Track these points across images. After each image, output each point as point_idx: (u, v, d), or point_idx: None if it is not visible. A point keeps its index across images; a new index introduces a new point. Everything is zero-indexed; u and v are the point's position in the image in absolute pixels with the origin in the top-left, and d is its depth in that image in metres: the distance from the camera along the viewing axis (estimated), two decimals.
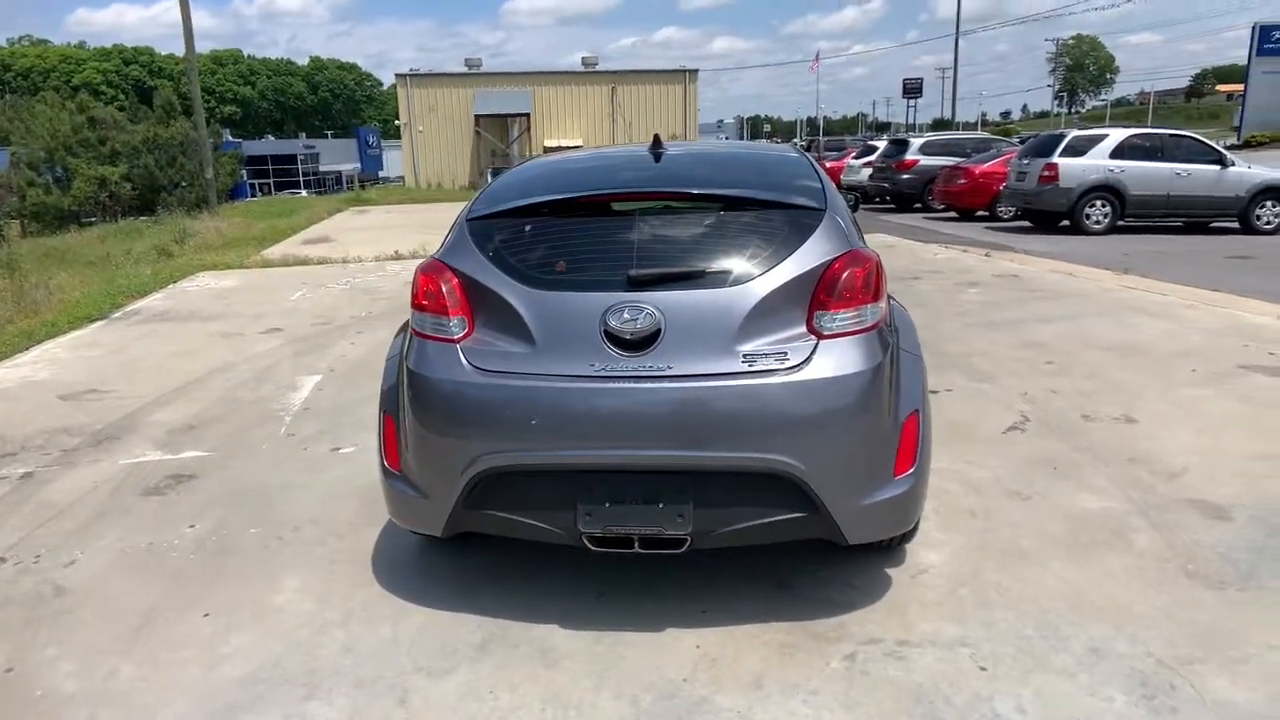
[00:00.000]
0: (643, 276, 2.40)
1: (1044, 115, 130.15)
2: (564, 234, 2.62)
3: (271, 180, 51.26)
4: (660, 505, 2.34)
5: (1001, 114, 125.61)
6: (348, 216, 19.94)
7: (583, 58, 31.90)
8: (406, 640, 2.52)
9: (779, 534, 2.40)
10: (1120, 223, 12.85)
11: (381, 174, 48.26)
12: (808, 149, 29.84)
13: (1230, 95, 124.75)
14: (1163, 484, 3.41)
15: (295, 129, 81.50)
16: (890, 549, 2.87)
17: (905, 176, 17.91)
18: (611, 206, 2.64)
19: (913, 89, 61.26)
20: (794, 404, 2.29)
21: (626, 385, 2.32)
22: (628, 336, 2.34)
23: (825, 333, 2.35)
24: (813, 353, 2.33)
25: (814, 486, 2.30)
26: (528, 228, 2.63)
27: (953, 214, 16.59)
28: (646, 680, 2.29)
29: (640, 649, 2.43)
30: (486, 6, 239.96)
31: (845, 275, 2.39)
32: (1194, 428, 4.02)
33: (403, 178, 33.41)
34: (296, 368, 5.66)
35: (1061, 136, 13.45)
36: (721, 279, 2.40)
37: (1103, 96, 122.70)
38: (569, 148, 29.30)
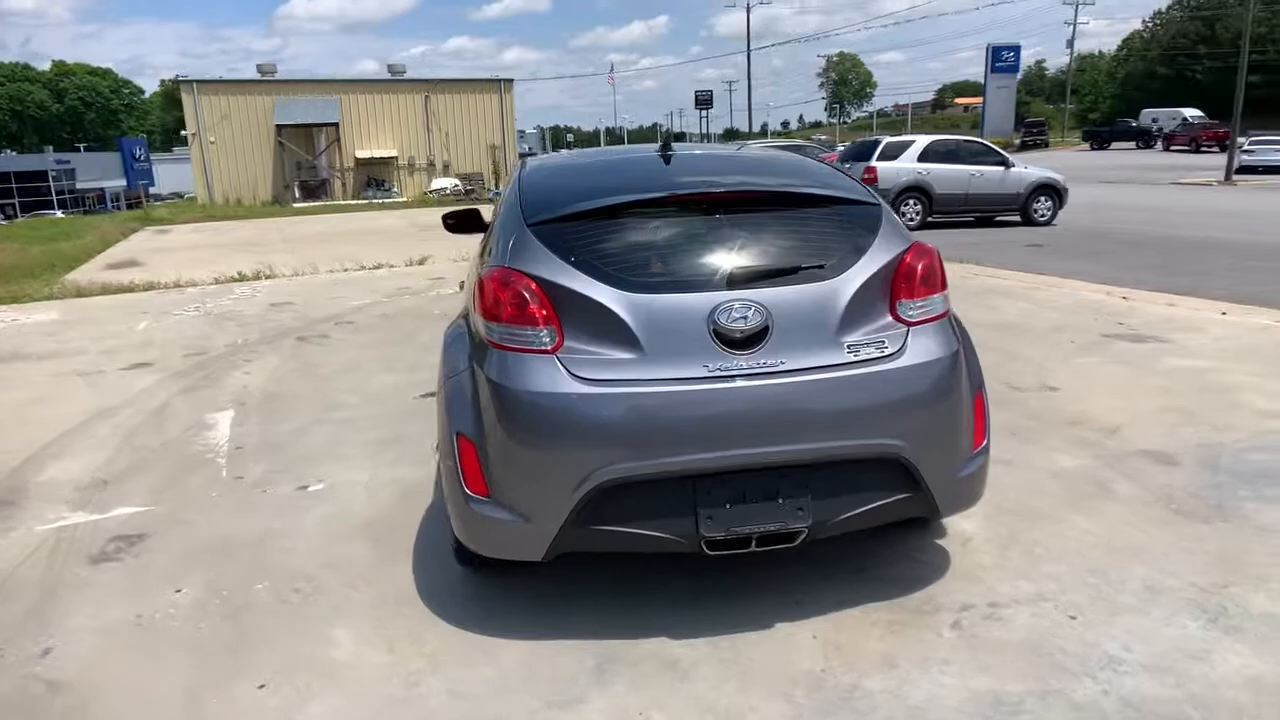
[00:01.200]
0: (746, 274, 2.42)
1: (818, 125, 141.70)
2: (647, 235, 2.56)
3: (16, 200, 44.88)
4: (780, 501, 2.36)
5: (782, 124, 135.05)
6: (147, 237, 17.89)
7: (389, 65, 30.73)
8: (515, 676, 2.36)
9: (883, 517, 2.50)
10: (930, 219, 14.31)
11: (153, 189, 43.61)
12: None
13: (966, 107, 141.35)
14: (1109, 440, 3.88)
15: (38, 142, 71.71)
16: (928, 525, 3.04)
17: None
18: (686, 207, 2.61)
19: (704, 100, 64.34)
20: (898, 390, 2.40)
21: (744, 384, 2.32)
22: (738, 335, 2.34)
23: (911, 320, 2.48)
24: (906, 340, 2.46)
25: (918, 466, 2.42)
26: (607, 230, 2.54)
27: None
28: (786, 676, 2.30)
29: (762, 647, 2.43)
30: (257, 10, 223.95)
31: (920, 266, 2.53)
32: (1104, 390, 4.60)
33: (180, 193, 30.45)
34: (195, 405, 5.04)
35: (877, 143, 14.76)
36: (817, 273, 2.46)
37: (865, 109, 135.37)
38: (386, 158, 28.26)
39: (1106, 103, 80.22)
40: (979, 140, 15.63)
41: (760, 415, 2.32)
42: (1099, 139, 50.10)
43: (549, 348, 2.37)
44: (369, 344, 6.45)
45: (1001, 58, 58.83)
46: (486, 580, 2.85)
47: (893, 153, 14.33)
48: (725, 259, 2.47)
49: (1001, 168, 14.46)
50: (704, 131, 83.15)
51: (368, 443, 4.27)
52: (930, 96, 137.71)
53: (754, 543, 2.37)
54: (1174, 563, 2.78)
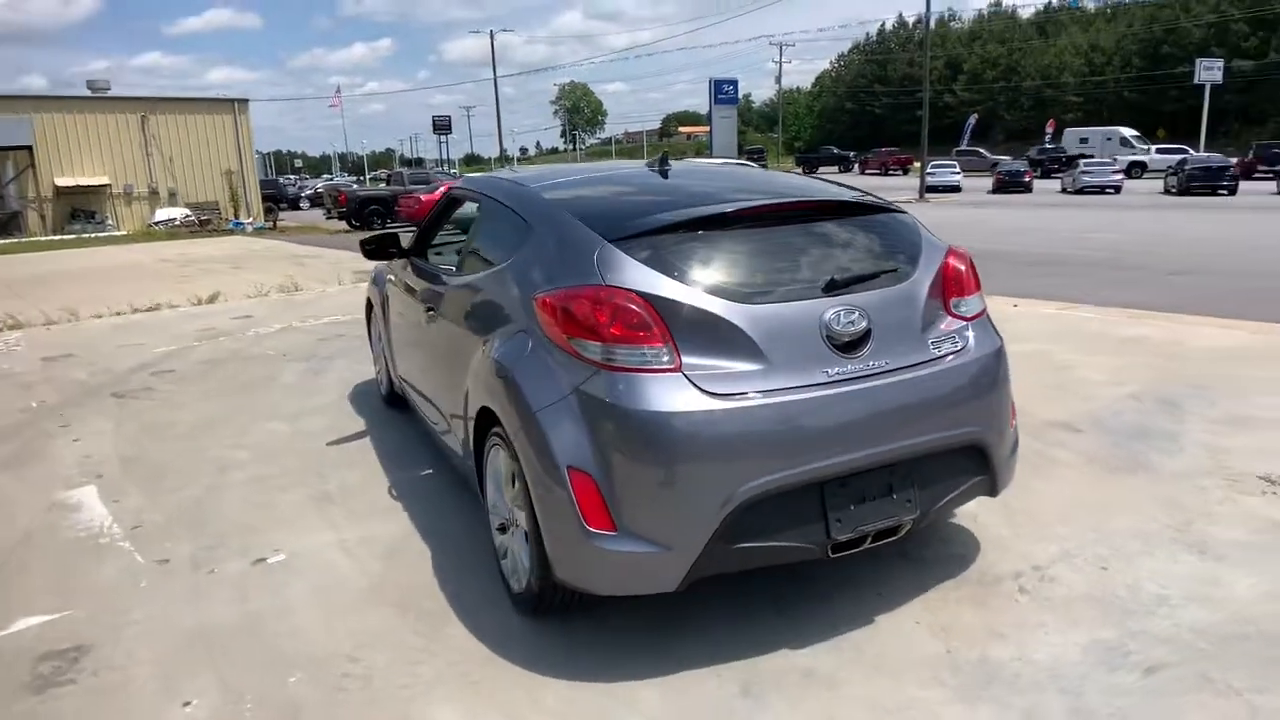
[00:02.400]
0: (844, 279, 2.50)
1: (555, 151, 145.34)
2: (736, 246, 2.55)
3: None
4: (894, 496, 2.46)
5: (520, 150, 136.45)
6: None
7: (89, 82, 26.72)
8: (664, 716, 2.22)
9: (962, 500, 2.69)
10: None
11: None
12: (387, 181, 29.21)
13: (689, 135, 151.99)
14: (1022, 416, 4.44)
15: None
16: None
17: None
18: (761, 218, 2.63)
19: (443, 125, 63.38)
20: (974, 380, 2.62)
21: (861, 386, 2.40)
22: (847, 339, 2.42)
23: (967, 317, 2.72)
24: (968, 335, 2.68)
25: (990, 450, 2.65)
26: (698, 243, 2.49)
27: None
28: (921, 662, 2.40)
29: (880, 642, 2.51)
30: None
31: (964, 267, 2.78)
32: None
33: None
34: (32, 485, 4.08)
35: None
36: (895, 277, 2.61)
37: (598, 135, 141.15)
38: (96, 187, 24.42)
39: (808, 132, 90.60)
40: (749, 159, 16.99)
41: (878, 415, 2.41)
42: (809, 163, 56.52)
43: (672, 365, 2.28)
44: (214, 394, 5.62)
45: (723, 90, 64.44)
46: (554, 626, 2.65)
47: None
48: (817, 266, 2.55)
49: None
50: (443, 157, 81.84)
51: (301, 501, 3.74)
52: (657, 125, 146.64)
53: (869, 540, 2.45)
54: (1140, 511, 3.27)
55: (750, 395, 2.29)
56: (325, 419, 4.93)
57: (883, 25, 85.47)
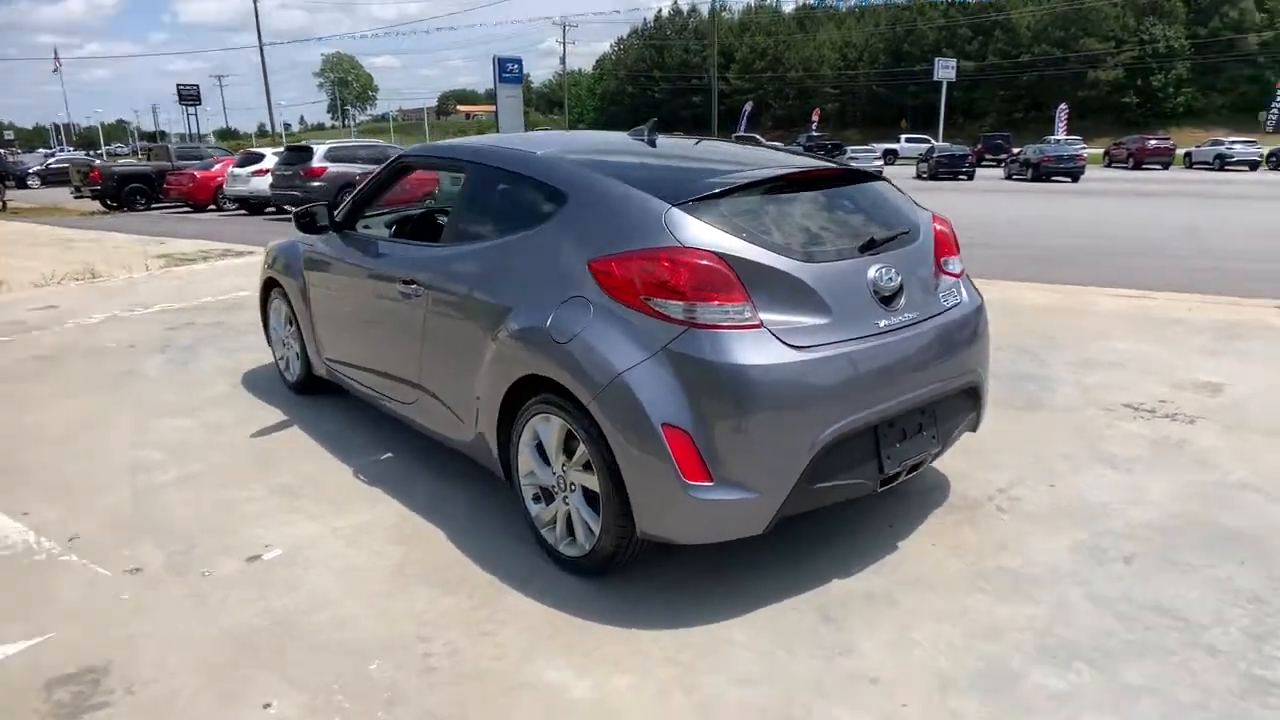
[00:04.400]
0: (879, 239, 2.76)
1: (321, 128, 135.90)
2: (782, 209, 2.71)
3: None
4: (923, 433, 2.78)
5: (285, 125, 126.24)
6: None
7: None
8: (766, 648, 2.39)
9: (960, 435, 3.06)
10: None
11: None
12: (148, 156, 25.85)
13: (469, 114, 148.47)
14: None
15: None
16: None
17: (317, 184, 17.53)
18: (795, 184, 2.82)
19: (190, 96, 57.28)
20: (974, 328, 2.99)
21: (905, 335, 2.68)
22: (887, 294, 2.68)
23: (955, 274, 3.09)
24: (961, 289, 3.05)
25: (981, 390, 3.05)
26: (750, 206, 2.63)
27: None
28: (957, 577, 2.74)
29: (911, 563, 2.83)
30: None
31: (947, 231, 3.14)
32: None
33: None
34: None
35: None
36: (909, 237, 2.90)
37: (370, 112, 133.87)
38: None
39: (590, 115, 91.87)
40: None
41: (917, 361, 2.71)
42: None
43: (755, 322, 2.42)
44: (73, 392, 4.91)
45: (507, 69, 63.57)
46: (613, 585, 2.71)
47: None
48: (852, 227, 2.79)
49: None
50: (193, 131, 73.94)
51: (261, 496, 3.44)
52: (434, 103, 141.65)
53: (904, 474, 2.76)
54: (1055, 440, 3.87)
55: (823, 347, 2.49)
56: (231, 412, 4.50)
57: (659, 12, 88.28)
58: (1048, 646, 2.36)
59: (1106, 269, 8.92)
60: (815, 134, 50.95)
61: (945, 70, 46.62)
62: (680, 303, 2.41)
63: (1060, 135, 40.74)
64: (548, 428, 2.73)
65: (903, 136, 46.60)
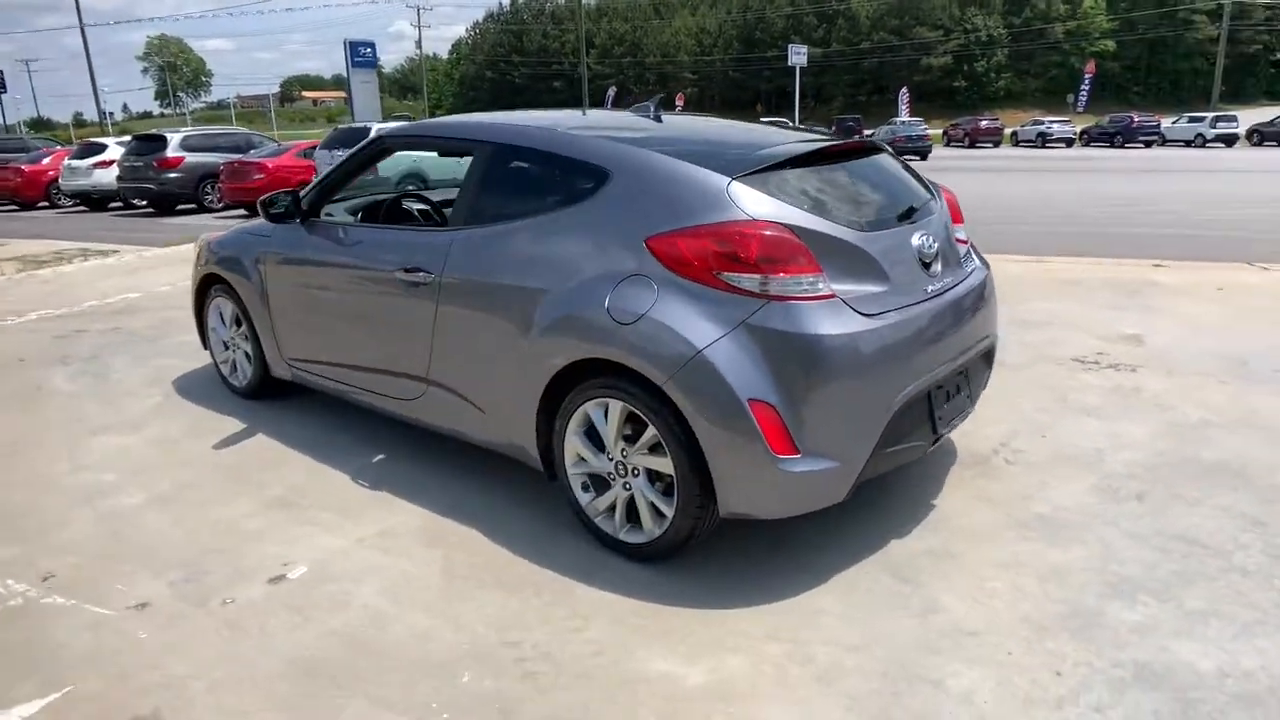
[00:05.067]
0: (913, 208, 2.82)
1: (149, 115, 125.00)
2: (826, 180, 2.71)
3: None
4: (960, 393, 2.89)
5: (108, 114, 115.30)
6: None
7: None
8: (862, 614, 2.42)
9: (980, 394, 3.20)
10: None
11: None
12: None
13: (316, 101, 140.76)
14: None
15: None
16: None
17: (173, 175, 16.13)
18: (832, 156, 2.83)
19: None
20: (990, 293, 3.12)
21: (947, 300, 2.76)
22: (928, 260, 2.76)
23: (964, 240, 3.21)
24: (973, 255, 3.18)
25: (994, 350, 3.20)
26: (800, 179, 2.62)
27: (244, 211, 16.00)
28: (1001, 525, 2.87)
29: (953, 518, 2.94)
30: None
31: (954, 199, 3.26)
32: None
33: None
34: None
35: (366, 129, 14.41)
36: (933, 205, 2.99)
37: (204, 99, 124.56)
38: None
39: (449, 100, 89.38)
40: None
41: (960, 323, 2.80)
42: None
43: (828, 292, 2.43)
44: None
45: (360, 53, 60.67)
46: (680, 568, 2.67)
47: None
48: (888, 197, 2.85)
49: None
50: (2, 122, 66.27)
51: (255, 511, 3.15)
52: (276, 88, 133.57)
53: (946, 433, 2.85)
54: (1028, 394, 4.12)
55: (889, 314, 2.53)
56: (177, 424, 4.08)
57: None
58: (1110, 583, 2.51)
59: (992, 237, 9.57)
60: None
61: (798, 56, 48.29)
62: (756, 276, 2.38)
63: (904, 117, 43.24)
64: (604, 413, 2.63)
65: (762, 119, 48.00)
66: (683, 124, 3.24)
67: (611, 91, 61.68)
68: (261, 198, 3.71)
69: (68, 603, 2.58)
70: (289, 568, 2.75)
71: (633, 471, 2.63)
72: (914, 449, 2.67)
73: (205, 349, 4.60)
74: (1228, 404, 3.89)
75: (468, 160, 3.21)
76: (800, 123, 47.72)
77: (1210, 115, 36.81)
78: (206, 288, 4.37)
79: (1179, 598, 2.43)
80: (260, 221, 4.23)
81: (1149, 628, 2.30)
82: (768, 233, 2.40)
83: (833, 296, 2.43)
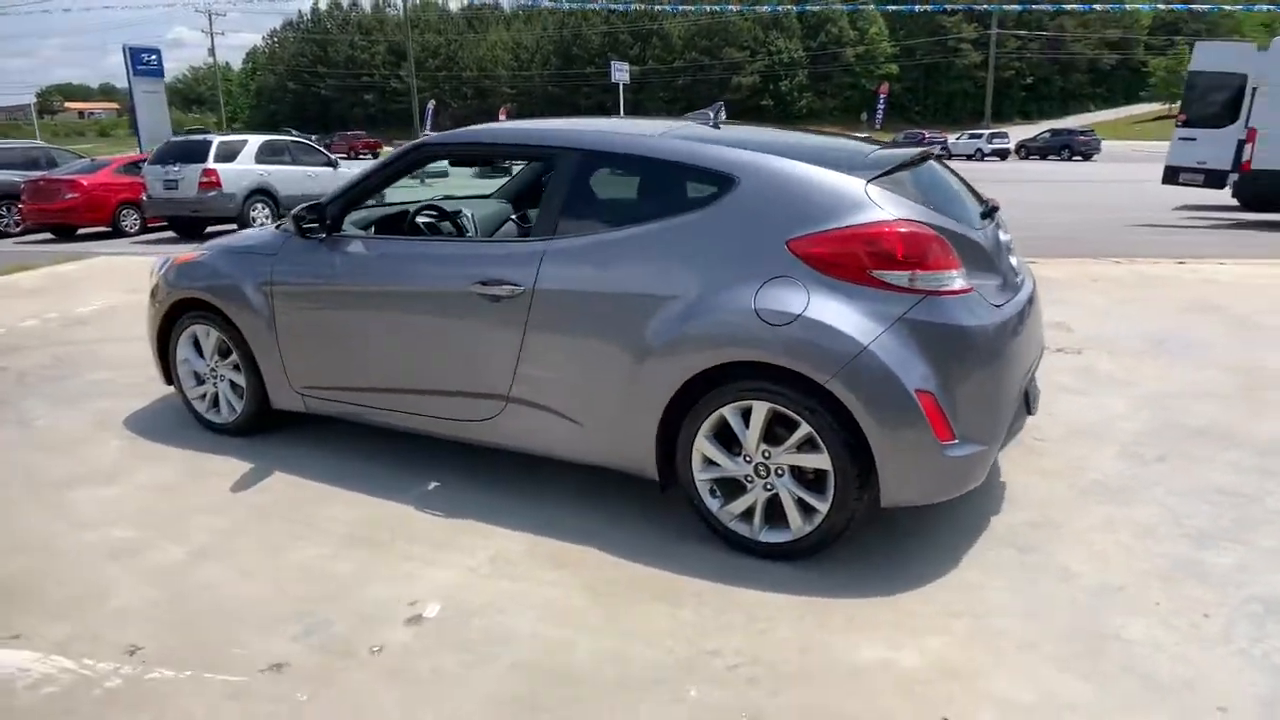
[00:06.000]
0: (993, 207, 3.06)
1: None
2: (931, 183, 2.87)
3: None
4: (1032, 380, 3.15)
5: None
6: None
7: None
8: (1001, 585, 2.60)
9: None
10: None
11: None
12: None
13: (83, 113, 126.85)
14: None
15: None
16: None
17: None
18: (915, 161, 3.00)
19: None
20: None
21: (1028, 291, 3.02)
22: (1012, 254, 3.01)
23: None
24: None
25: None
26: (909, 181, 2.77)
27: (49, 235, 14.11)
28: (1069, 496, 3.17)
29: (1025, 495, 3.21)
30: None
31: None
32: None
33: None
34: None
35: (207, 142, 13.19)
36: (993, 210, 3.24)
37: None
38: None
39: (245, 113, 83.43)
40: (303, 139, 15.50)
41: (1037, 315, 3.07)
42: None
43: (968, 286, 2.59)
44: None
45: (143, 60, 54.87)
46: (811, 564, 2.73)
47: (229, 153, 13.14)
48: (969, 197, 3.07)
49: (330, 168, 14.77)
50: None
51: (333, 554, 2.86)
52: (32, 99, 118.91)
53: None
54: None
55: (1008, 305, 2.74)
56: (163, 468, 3.59)
57: (315, 3, 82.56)
58: (1190, 535, 2.85)
59: None
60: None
61: (620, 73, 49.50)
62: (906, 273, 2.50)
63: None
64: (742, 415, 2.65)
65: None
66: (760, 131, 3.31)
67: (431, 105, 60.18)
68: (296, 211, 3.37)
69: (180, 675, 2.24)
70: (419, 606, 2.54)
71: (776, 471, 2.66)
72: (1016, 430, 2.90)
73: (170, 384, 4.08)
74: (1173, 377, 4.50)
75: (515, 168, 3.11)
76: None
77: (986, 132, 41.66)
78: (174, 316, 3.89)
79: (1251, 540, 2.81)
80: (251, 236, 3.86)
81: (1246, 568, 2.64)
82: (916, 231, 2.53)
83: (972, 290, 2.60)
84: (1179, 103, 14.67)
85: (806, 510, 2.66)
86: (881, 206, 2.58)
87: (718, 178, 2.76)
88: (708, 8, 65.16)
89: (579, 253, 2.89)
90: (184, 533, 3.02)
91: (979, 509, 3.07)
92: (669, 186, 2.89)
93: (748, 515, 2.76)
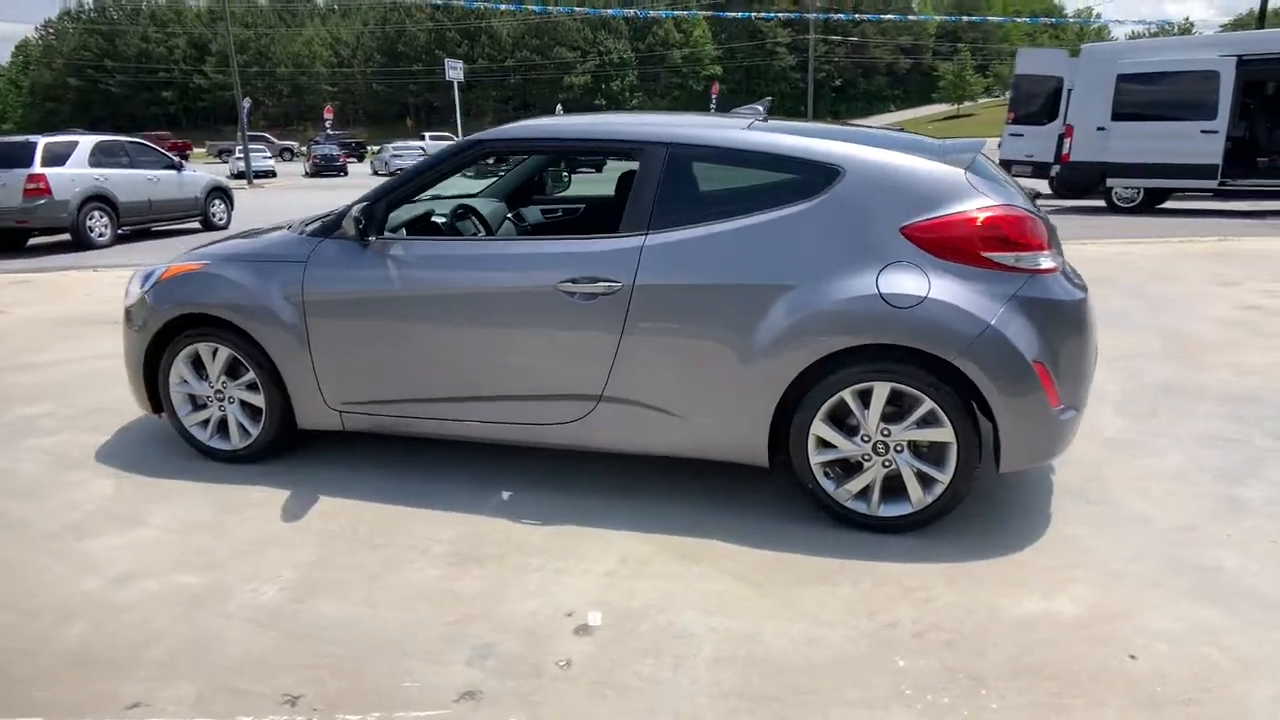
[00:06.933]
0: (1033, 197, 3.32)
1: None
2: (992, 173, 3.06)
3: None
4: None
5: None
6: None
7: None
8: (1110, 548, 2.87)
9: None
10: (119, 233, 12.40)
11: None
12: None
13: None
14: None
15: None
16: None
17: None
18: None
19: None
20: None
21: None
22: None
23: None
24: None
25: None
26: (985, 169, 2.96)
27: None
28: (1136, 457, 3.52)
29: (1082, 467, 3.52)
30: None
31: None
32: None
33: None
34: None
35: (30, 144, 11.62)
36: (1035, 198, 3.52)
37: None
38: None
39: (19, 111, 74.18)
40: (144, 141, 13.97)
41: None
42: None
43: (1056, 265, 2.82)
44: None
45: None
46: (925, 536, 2.89)
47: (58, 155, 11.67)
48: (1018, 188, 3.31)
49: (174, 171, 13.49)
50: None
51: (448, 574, 2.69)
52: None
53: None
54: None
55: (1078, 283, 3.00)
56: (184, 504, 3.21)
57: None
58: (1219, 476, 3.26)
59: None
60: (331, 132, 48.06)
61: (454, 71, 48.18)
62: (1012, 254, 2.70)
63: None
64: (861, 396, 2.75)
65: (428, 135, 47.16)
66: (826, 127, 3.40)
67: (246, 104, 55.97)
68: (356, 212, 3.08)
69: (369, 718, 2.04)
70: (577, 616, 2.44)
71: (895, 448, 2.79)
72: None
73: (156, 413, 3.63)
74: (1117, 343, 5.05)
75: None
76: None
77: None
78: (165, 336, 3.47)
79: (1265, 475, 3.25)
80: (260, 242, 3.52)
81: (1273, 500, 3.06)
82: (1020, 215, 2.73)
83: (1058, 269, 2.83)
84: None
85: (926, 483, 2.80)
86: (984, 193, 2.76)
87: (824, 169, 2.84)
88: (535, 7, 64.91)
89: (682, 246, 2.88)
90: (263, 570, 2.72)
91: (1034, 469, 3.34)
92: (773, 179, 2.93)
93: (864, 493, 2.86)
